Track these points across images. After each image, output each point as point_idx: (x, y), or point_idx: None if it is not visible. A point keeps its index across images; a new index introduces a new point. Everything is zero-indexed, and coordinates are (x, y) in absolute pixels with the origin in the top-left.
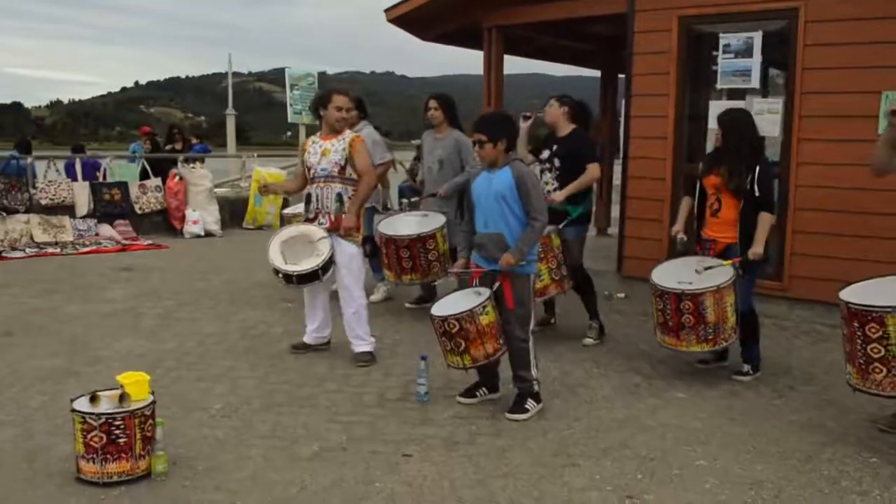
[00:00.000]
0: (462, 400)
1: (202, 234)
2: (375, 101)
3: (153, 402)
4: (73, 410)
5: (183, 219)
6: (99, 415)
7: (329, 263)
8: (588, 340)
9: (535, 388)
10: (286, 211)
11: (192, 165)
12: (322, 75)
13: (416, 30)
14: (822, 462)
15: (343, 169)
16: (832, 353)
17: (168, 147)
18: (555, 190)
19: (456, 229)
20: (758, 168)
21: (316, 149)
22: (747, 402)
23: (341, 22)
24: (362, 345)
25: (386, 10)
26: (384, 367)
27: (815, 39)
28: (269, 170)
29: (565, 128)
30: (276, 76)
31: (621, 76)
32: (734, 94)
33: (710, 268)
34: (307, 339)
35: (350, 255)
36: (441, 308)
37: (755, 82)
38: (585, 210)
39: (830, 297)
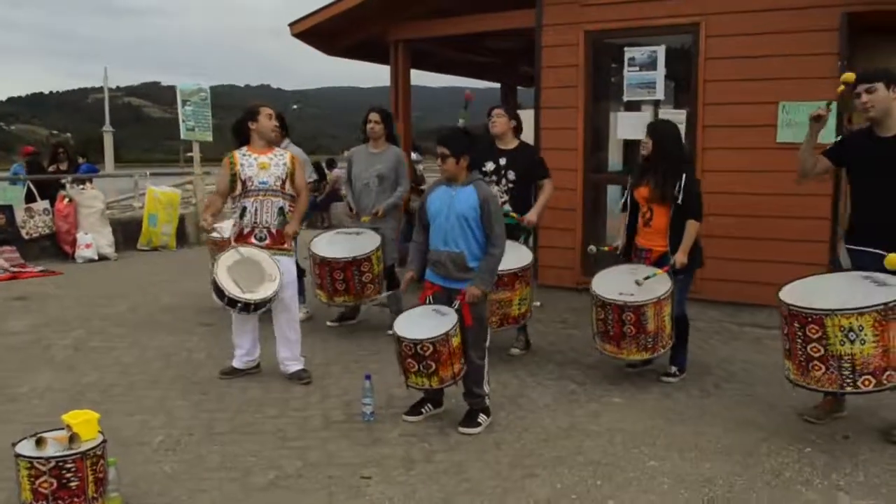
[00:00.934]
0: (408, 418)
1: (96, 257)
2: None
3: (104, 442)
4: (18, 455)
5: (74, 243)
6: (48, 458)
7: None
8: (515, 350)
9: (486, 402)
10: (215, 235)
11: (81, 186)
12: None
13: (322, 44)
14: (762, 456)
15: (284, 183)
16: (744, 351)
17: (52, 167)
18: (504, 203)
19: (391, 247)
20: (684, 177)
21: (251, 161)
22: (680, 402)
23: (212, 35)
24: (297, 363)
25: (291, 24)
26: (321, 388)
27: (716, 53)
28: (162, 188)
29: (511, 141)
30: (147, 91)
31: (520, 88)
32: (632, 106)
33: (648, 277)
34: (236, 363)
35: (289, 271)
36: (407, 329)
37: (660, 94)
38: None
39: (737, 297)
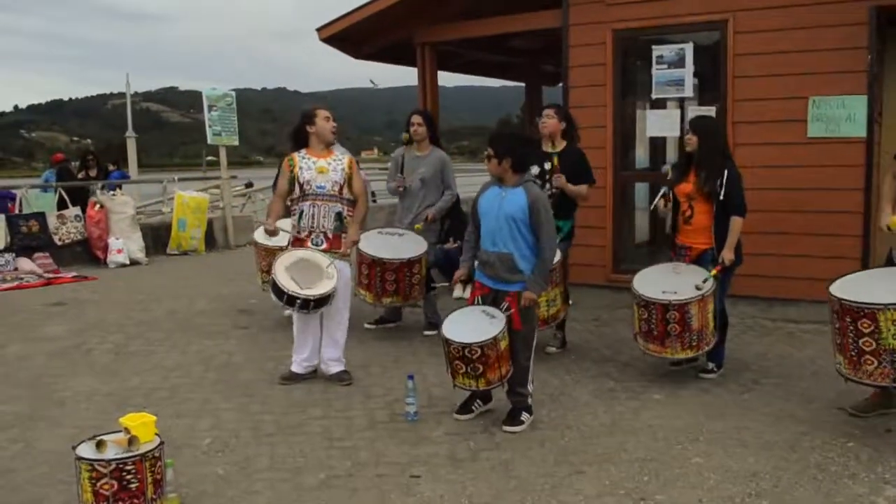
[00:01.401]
0: (459, 417)
1: (127, 262)
2: (270, 118)
3: (162, 444)
4: (79, 458)
5: (106, 248)
6: (109, 461)
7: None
8: (551, 349)
9: (529, 401)
10: (261, 240)
11: (112, 193)
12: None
13: (349, 47)
14: (805, 450)
15: (342, 189)
16: (779, 346)
17: (81, 174)
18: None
19: (431, 248)
20: (726, 173)
21: (309, 165)
22: (719, 398)
23: (227, 39)
24: (340, 364)
25: (318, 29)
26: (362, 389)
27: (745, 49)
28: (190, 193)
29: (560, 143)
30: (164, 95)
31: (545, 87)
32: (660, 103)
33: (706, 280)
34: (297, 368)
35: (347, 276)
36: (455, 332)
37: (688, 91)
38: (573, 224)
39: (769, 292)
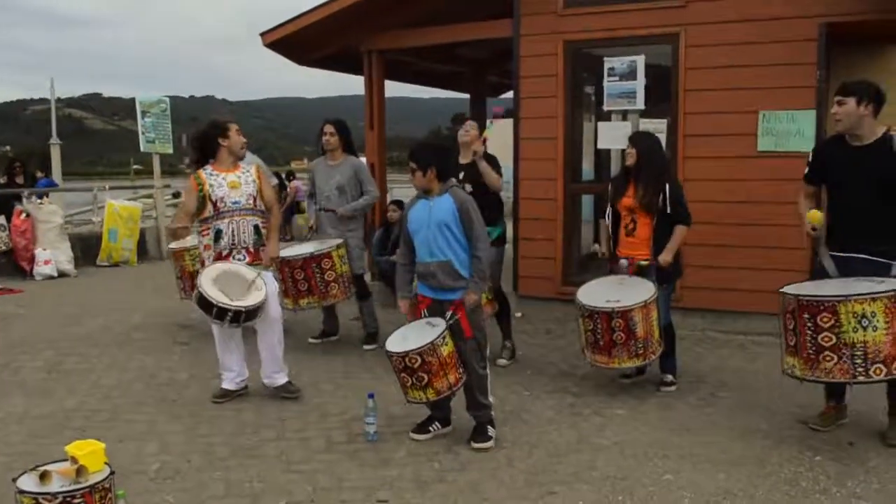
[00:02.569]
0: (416, 436)
1: (55, 274)
2: (198, 126)
3: (112, 473)
4: (21, 491)
5: (32, 259)
6: (55, 494)
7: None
8: (502, 361)
9: (492, 413)
10: (174, 245)
11: (39, 201)
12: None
13: (294, 53)
14: (774, 465)
15: (256, 200)
16: (733, 358)
17: (2, 181)
18: None
19: (357, 254)
20: (668, 186)
21: (220, 181)
22: (681, 412)
23: (153, 46)
24: (283, 375)
25: (263, 34)
26: (316, 407)
27: (696, 63)
28: (121, 202)
29: (468, 154)
30: (88, 101)
31: (490, 98)
32: (612, 116)
33: (637, 273)
34: (227, 385)
35: (274, 287)
36: (396, 344)
37: (640, 104)
38: (503, 231)
39: (718, 305)
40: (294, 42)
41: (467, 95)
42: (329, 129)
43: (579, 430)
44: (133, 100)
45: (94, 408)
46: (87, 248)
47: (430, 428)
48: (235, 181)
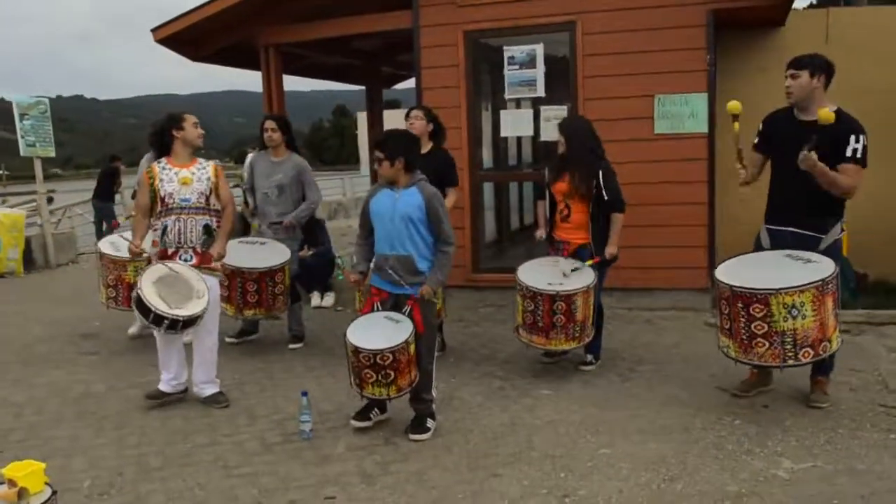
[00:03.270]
0: (357, 423)
1: None
2: (66, 127)
3: (55, 493)
4: None
5: None
6: None
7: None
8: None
9: (433, 406)
10: (107, 251)
11: None
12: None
13: (187, 49)
14: (699, 431)
15: (208, 199)
16: (642, 334)
17: None
18: None
19: (294, 258)
20: (601, 172)
21: (171, 176)
22: (604, 389)
23: (16, 42)
24: (213, 386)
25: (153, 30)
26: (243, 409)
27: (593, 50)
28: (4, 210)
29: (426, 144)
30: None
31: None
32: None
33: (575, 269)
34: (163, 387)
35: (216, 294)
36: (362, 339)
37: (540, 91)
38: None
39: (622, 283)
40: (187, 38)
41: (356, 87)
42: (270, 124)
43: (510, 413)
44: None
45: (7, 427)
46: None
47: (371, 415)
48: (188, 177)
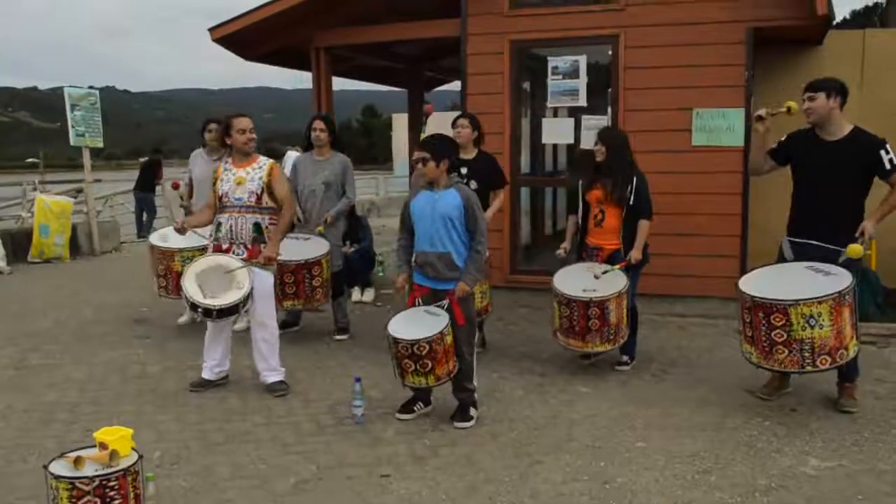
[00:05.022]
0: (401, 416)
1: None
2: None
3: (140, 457)
4: (58, 477)
5: None
6: (92, 477)
7: (248, 296)
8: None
9: (475, 396)
10: (157, 242)
11: None
12: (34, 91)
13: (241, 49)
14: (730, 430)
15: (260, 198)
16: (674, 339)
17: None
18: None
19: (337, 253)
20: (635, 180)
21: (229, 176)
22: (639, 388)
23: (45, 36)
24: (275, 374)
25: (211, 29)
26: (297, 394)
27: (634, 63)
28: (52, 197)
29: (472, 150)
30: None
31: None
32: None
33: (606, 272)
34: (206, 374)
35: (268, 285)
36: (402, 331)
37: (582, 101)
38: None
39: (656, 289)
40: (242, 37)
41: (384, 87)
42: (319, 125)
43: (550, 407)
44: (34, 89)
45: (73, 401)
46: (17, 245)
47: (415, 408)
48: (242, 177)
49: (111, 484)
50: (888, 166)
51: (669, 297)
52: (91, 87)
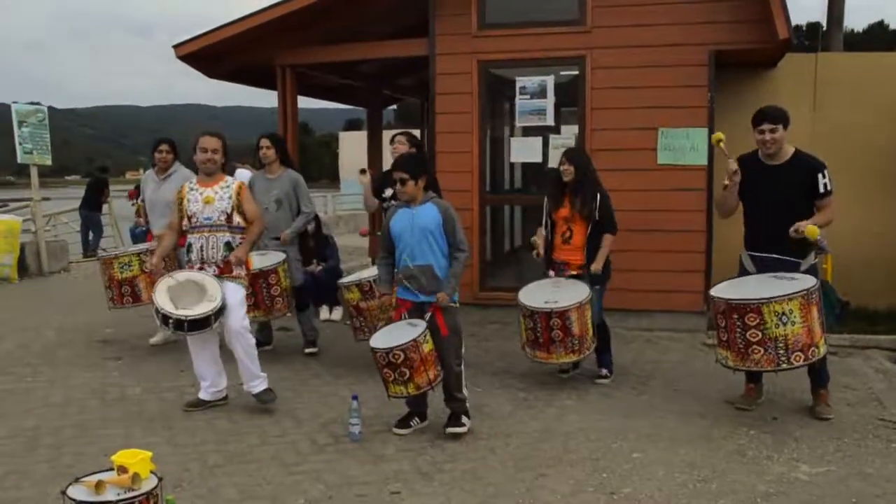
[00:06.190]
0: (398, 431)
1: None
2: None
3: (161, 480)
4: (80, 502)
5: None
6: (116, 502)
7: (222, 309)
8: None
9: (467, 405)
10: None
11: None
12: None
13: (206, 66)
14: (719, 441)
15: (230, 217)
16: (646, 352)
17: None
18: None
19: (296, 266)
20: (599, 196)
21: (196, 196)
22: (622, 401)
23: None
24: (260, 383)
25: (175, 47)
26: (287, 413)
27: (601, 84)
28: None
29: None
30: None
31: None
32: (528, 131)
33: (571, 276)
34: (203, 395)
35: (240, 297)
36: (381, 341)
37: (550, 120)
38: None
39: (622, 304)
40: (208, 55)
41: (315, 105)
42: (265, 142)
43: (541, 421)
44: None
45: (56, 425)
46: None
47: (411, 423)
48: (211, 196)
49: None
50: (822, 190)
51: (635, 312)
52: (15, 103)
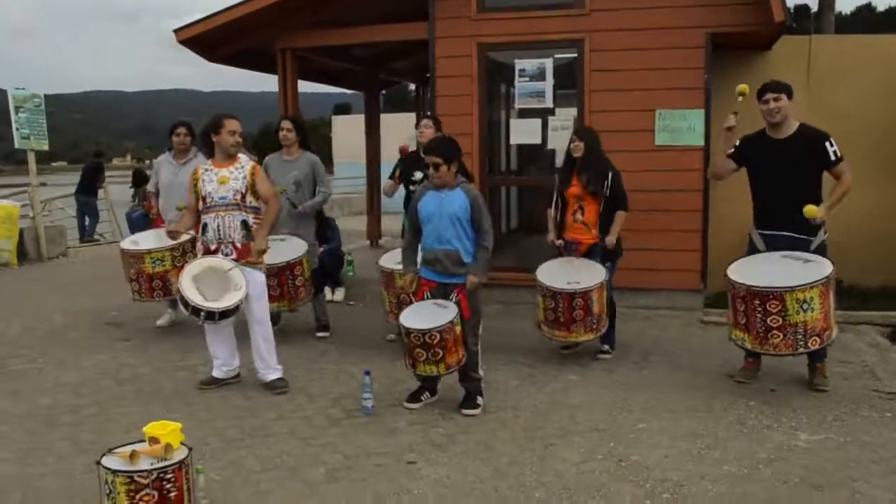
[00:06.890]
0: (409, 405)
1: None
2: (7, 120)
3: (191, 450)
4: (116, 471)
5: None
6: (150, 471)
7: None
8: None
9: (481, 385)
10: (127, 247)
11: None
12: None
13: (206, 51)
14: (720, 411)
15: (244, 196)
16: (646, 329)
17: None
18: None
19: (313, 251)
20: (610, 174)
21: (211, 177)
22: (625, 375)
23: None
24: (274, 372)
25: (176, 31)
26: (300, 390)
27: (599, 66)
28: None
29: None
30: None
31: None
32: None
33: (585, 254)
34: (216, 373)
35: (260, 283)
36: (413, 321)
37: (549, 102)
38: None
39: (622, 283)
40: (207, 39)
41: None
42: (287, 125)
43: (547, 394)
44: None
45: (73, 403)
46: None
47: (422, 397)
48: (226, 176)
49: (168, 476)
50: (832, 157)
51: (634, 290)
52: (1, 90)
